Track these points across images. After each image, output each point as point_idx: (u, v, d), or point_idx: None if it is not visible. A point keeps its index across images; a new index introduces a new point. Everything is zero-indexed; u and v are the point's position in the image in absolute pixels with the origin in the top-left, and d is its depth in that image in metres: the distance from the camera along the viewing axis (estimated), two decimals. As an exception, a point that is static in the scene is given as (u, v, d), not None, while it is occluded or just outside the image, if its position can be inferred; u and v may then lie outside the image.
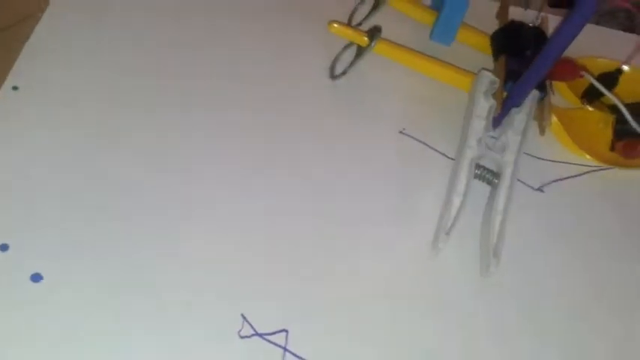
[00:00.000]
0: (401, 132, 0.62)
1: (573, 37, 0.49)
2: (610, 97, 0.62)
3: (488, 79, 0.61)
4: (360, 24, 0.66)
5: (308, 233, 0.54)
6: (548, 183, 0.60)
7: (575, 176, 0.61)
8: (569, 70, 0.63)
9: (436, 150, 0.61)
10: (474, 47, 0.68)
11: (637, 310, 0.55)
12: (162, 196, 0.54)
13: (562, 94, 0.66)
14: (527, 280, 0.55)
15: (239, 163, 0.58)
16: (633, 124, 0.60)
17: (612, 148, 0.63)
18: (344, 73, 0.63)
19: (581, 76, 0.62)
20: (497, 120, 0.59)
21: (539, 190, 0.60)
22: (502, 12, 0.69)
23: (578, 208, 0.60)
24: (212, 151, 0.58)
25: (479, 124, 0.58)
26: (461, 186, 0.55)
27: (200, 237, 0.53)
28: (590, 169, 0.62)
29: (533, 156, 0.62)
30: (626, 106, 0.61)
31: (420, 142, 0.61)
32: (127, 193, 0.54)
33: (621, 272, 0.57)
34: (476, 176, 0.56)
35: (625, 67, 0.66)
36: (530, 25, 0.66)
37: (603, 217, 0.60)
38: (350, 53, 0.64)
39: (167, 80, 0.62)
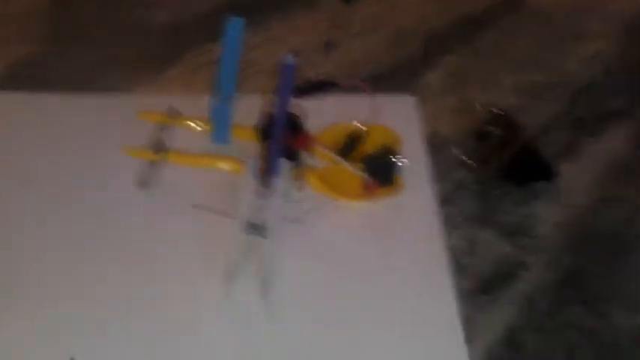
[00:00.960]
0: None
1: (285, 107, 0.68)
2: (331, 156, 0.80)
3: (253, 161, 0.75)
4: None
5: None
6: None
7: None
8: (305, 141, 0.78)
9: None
10: (247, 139, 0.81)
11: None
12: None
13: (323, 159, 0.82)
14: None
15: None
16: (351, 169, 0.79)
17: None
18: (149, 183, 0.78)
19: (313, 145, 0.79)
20: (263, 188, 0.72)
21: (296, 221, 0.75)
22: (265, 108, 0.80)
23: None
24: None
25: (246, 193, 0.72)
26: (237, 243, 0.70)
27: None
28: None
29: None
30: (369, 155, 0.79)
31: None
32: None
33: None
34: (248, 233, 0.70)
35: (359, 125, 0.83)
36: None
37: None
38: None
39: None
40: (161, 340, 0.66)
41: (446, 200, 0.81)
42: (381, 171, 0.78)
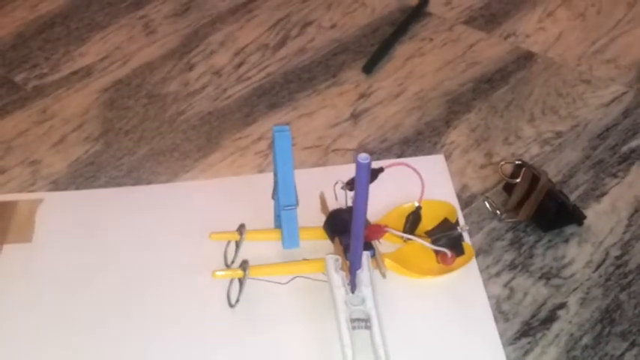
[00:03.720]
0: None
1: (364, 204, 0.70)
2: (405, 237, 0.83)
3: (333, 259, 0.80)
4: (233, 261, 0.85)
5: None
6: None
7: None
8: (377, 230, 0.82)
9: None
10: (317, 239, 0.86)
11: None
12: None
13: (389, 241, 0.85)
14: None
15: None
16: (433, 247, 0.82)
17: (437, 262, 0.82)
18: (237, 301, 0.80)
19: (386, 232, 0.82)
20: (352, 283, 0.77)
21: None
22: (323, 207, 0.87)
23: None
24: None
25: (339, 291, 0.77)
26: (347, 339, 0.73)
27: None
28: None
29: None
30: (431, 230, 0.84)
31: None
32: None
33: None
34: (354, 327, 0.74)
35: (416, 204, 0.85)
36: (345, 207, 0.84)
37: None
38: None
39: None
40: None
41: (481, 250, 0.86)
42: (451, 242, 0.82)
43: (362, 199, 0.69)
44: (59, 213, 0.93)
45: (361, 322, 0.75)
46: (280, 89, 1.13)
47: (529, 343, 0.77)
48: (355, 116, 1.07)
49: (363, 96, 1.11)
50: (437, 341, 0.77)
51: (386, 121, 1.06)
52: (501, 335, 0.77)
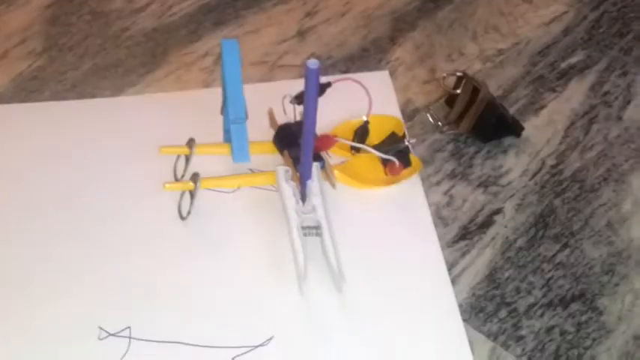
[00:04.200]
0: None
1: (314, 111, 0.69)
2: (360, 146, 0.85)
3: (283, 170, 0.82)
4: (183, 176, 0.85)
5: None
6: None
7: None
8: (326, 141, 0.84)
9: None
10: (265, 153, 0.87)
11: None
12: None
13: (338, 154, 0.88)
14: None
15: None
16: (377, 153, 0.84)
17: (385, 174, 0.85)
18: (189, 213, 0.81)
19: (336, 142, 0.84)
20: (302, 193, 0.79)
21: None
22: (272, 122, 0.88)
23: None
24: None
25: (290, 201, 0.79)
26: (298, 245, 0.75)
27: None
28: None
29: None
30: (379, 143, 0.86)
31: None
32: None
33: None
34: (305, 234, 0.77)
35: (365, 119, 0.87)
36: (294, 121, 0.84)
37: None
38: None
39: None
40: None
41: (423, 161, 0.88)
42: (398, 154, 0.84)
43: (311, 106, 0.70)
44: (2, 126, 0.92)
45: (312, 230, 0.77)
46: (226, 6, 1.12)
47: (466, 245, 0.80)
48: (301, 34, 1.07)
49: (309, 14, 1.11)
50: (381, 245, 0.79)
51: (332, 39, 1.07)
52: (440, 239, 0.80)
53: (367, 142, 0.87)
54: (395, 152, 0.84)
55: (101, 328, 0.72)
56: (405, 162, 0.84)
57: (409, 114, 0.95)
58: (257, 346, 0.71)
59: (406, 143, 0.85)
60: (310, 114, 0.70)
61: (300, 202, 0.79)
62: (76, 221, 0.82)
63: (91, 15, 1.10)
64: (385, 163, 0.84)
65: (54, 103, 0.96)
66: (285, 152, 0.83)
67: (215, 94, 0.86)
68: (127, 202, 0.83)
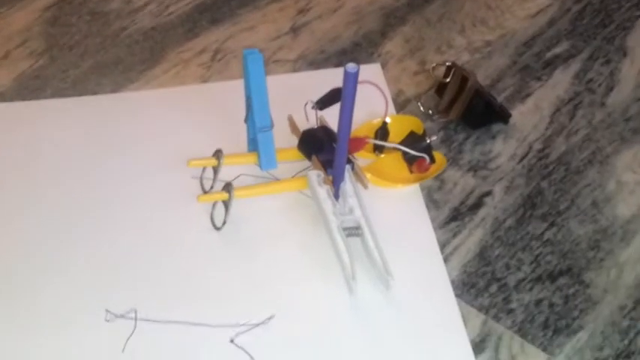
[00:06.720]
0: None
1: (350, 114, 0.71)
2: (389, 145, 0.88)
3: (315, 174, 0.83)
4: (212, 187, 0.86)
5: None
6: None
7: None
8: (358, 143, 0.86)
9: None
10: (293, 159, 0.88)
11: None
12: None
13: (361, 156, 0.89)
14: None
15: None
16: (412, 152, 0.86)
17: (411, 172, 0.87)
18: (224, 223, 0.82)
19: (367, 143, 0.87)
20: (336, 195, 0.81)
21: None
22: (293, 128, 0.90)
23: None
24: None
25: (327, 204, 0.80)
26: (342, 246, 0.77)
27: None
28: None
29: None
30: (400, 143, 0.87)
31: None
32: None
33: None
34: (347, 236, 0.78)
35: (387, 120, 0.89)
36: (316, 127, 0.87)
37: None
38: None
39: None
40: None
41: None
42: (422, 151, 0.86)
43: (348, 109, 0.70)
44: (5, 124, 0.95)
45: (352, 230, 0.78)
46: (222, 5, 1.15)
47: (457, 226, 0.83)
48: (295, 30, 1.11)
49: (302, 11, 1.14)
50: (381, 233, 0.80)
51: (324, 34, 1.10)
52: (433, 220, 0.83)
53: (388, 142, 0.89)
54: (418, 150, 0.86)
55: (108, 311, 0.75)
56: (430, 158, 0.87)
57: (401, 104, 0.98)
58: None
59: (427, 141, 0.88)
60: (346, 117, 0.71)
61: (337, 204, 0.80)
62: (84, 212, 0.85)
63: (90, 15, 1.13)
64: (411, 161, 0.87)
65: (56, 100, 0.99)
66: (314, 157, 0.85)
67: (213, 88, 0.90)
68: (154, 212, 0.85)
